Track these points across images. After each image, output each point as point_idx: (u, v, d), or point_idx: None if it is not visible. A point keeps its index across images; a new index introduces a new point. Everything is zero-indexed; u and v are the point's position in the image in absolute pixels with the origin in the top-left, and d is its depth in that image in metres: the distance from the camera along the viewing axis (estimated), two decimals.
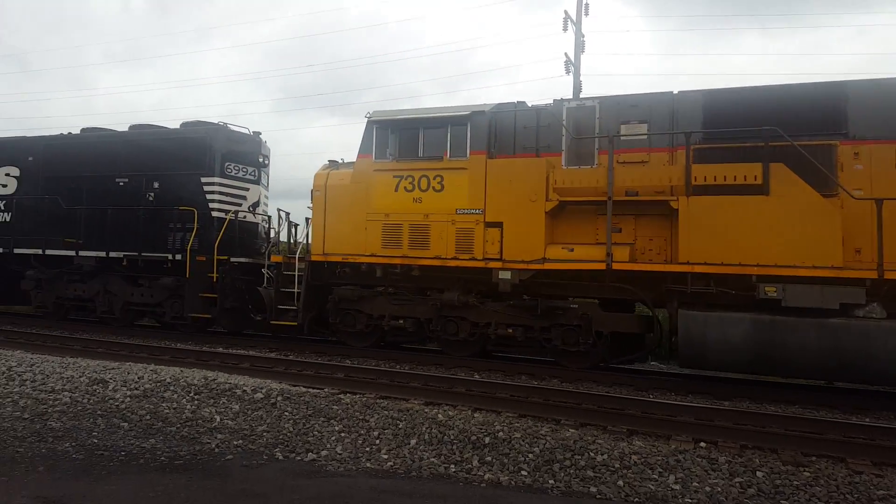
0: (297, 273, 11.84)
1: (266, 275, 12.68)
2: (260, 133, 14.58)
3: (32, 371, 8.33)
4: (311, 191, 11.90)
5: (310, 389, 7.94)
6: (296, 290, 11.80)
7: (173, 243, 13.36)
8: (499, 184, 10.23)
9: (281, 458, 5.49)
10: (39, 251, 14.53)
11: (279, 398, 7.25)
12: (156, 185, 13.84)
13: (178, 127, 14.56)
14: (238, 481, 4.79)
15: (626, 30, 47.13)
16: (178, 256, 13.11)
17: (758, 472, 5.39)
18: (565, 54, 22.13)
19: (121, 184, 14.21)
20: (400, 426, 6.39)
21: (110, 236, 13.89)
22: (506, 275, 10.12)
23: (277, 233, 13.68)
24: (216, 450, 5.57)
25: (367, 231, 11.13)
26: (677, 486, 5.06)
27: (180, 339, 13.16)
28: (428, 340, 11.99)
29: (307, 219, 12.25)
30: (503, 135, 10.61)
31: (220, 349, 11.85)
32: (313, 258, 11.65)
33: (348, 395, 7.75)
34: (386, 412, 6.88)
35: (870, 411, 8.39)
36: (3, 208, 15.50)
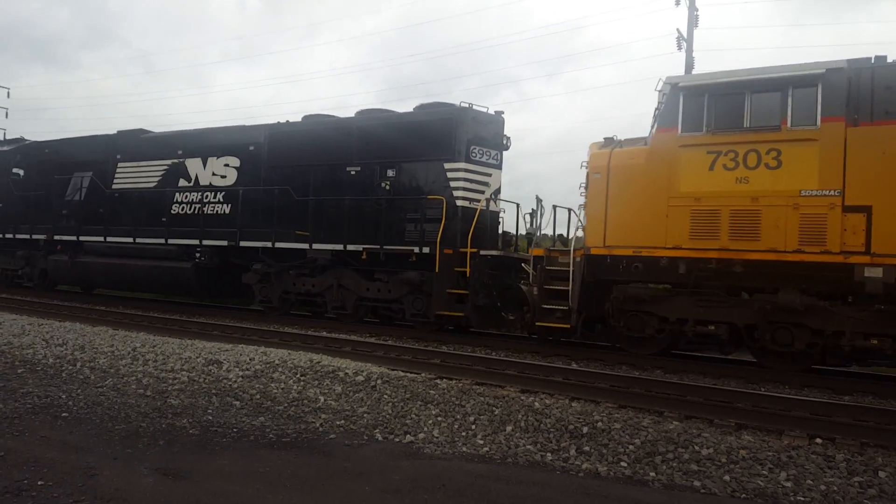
0: (570, 268, 10.39)
1: (529, 271, 11.14)
2: (502, 112, 13.29)
3: (154, 352, 9.01)
4: (587, 173, 10.36)
5: (407, 374, 8.11)
6: (570, 287, 10.33)
7: (414, 235, 12.53)
8: (865, 158, 8.25)
9: (380, 438, 5.65)
10: (269, 244, 13.89)
11: (379, 381, 7.45)
12: (390, 173, 12.93)
13: (411, 110, 13.56)
14: (340, 459, 4.97)
15: (744, 0, 43.71)
16: (426, 249, 12.16)
17: (880, 472, 4.99)
18: (677, 30, 21.20)
19: (352, 173, 13.33)
20: (496, 412, 6.40)
21: (347, 229, 13.14)
22: (875, 272, 8.10)
23: (537, 223, 12.11)
24: (320, 429, 5.81)
25: (668, 219, 9.39)
26: (789, 484, 4.76)
27: (287, 323, 13.80)
28: (738, 349, 10.14)
29: (580, 206, 10.81)
30: (863, 97, 8.48)
31: (325, 333, 12.33)
32: (593, 252, 10.10)
33: (444, 380, 7.85)
34: (482, 398, 6.91)
35: None
36: (222, 200, 15.07)
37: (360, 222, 13.13)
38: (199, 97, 79.90)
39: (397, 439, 5.65)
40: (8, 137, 21.09)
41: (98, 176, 17.30)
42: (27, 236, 18.42)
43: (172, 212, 15.82)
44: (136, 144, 17.13)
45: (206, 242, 14.85)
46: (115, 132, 17.72)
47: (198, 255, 14.96)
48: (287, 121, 15.01)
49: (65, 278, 18.78)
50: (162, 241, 15.65)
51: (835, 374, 9.76)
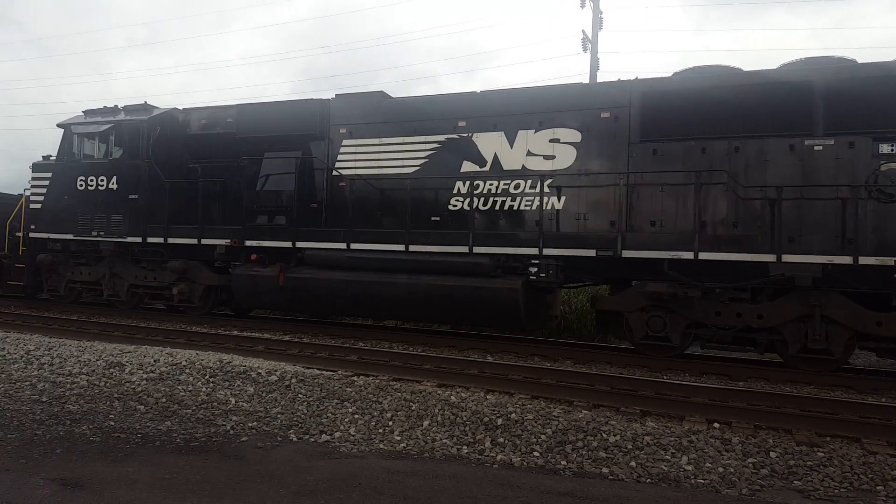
0: None
1: None
2: None
3: (50, 355, 8.45)
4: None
5: (323, 372, 8.00)
6: None
7: None
8: None
9: (295, 439, 5.54)
10: (687, 254, 9.31)
11: (293, 380, 7.31)
12: (888, 149, 8.93)
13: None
14: (253, 462, 4.84)
15: (644, 6, 46.10)
16: None
17: (771, 453, 5.37)
18: (583, 31, 21.84)
19: (818, 148, 9.22)
20: (413, 408, 6.43)
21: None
22: None
23: None
24: (231, 432, 5.63)
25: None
26: (690, 467, 5.05)
27: (196, 322, 13.28)
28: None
29: None
30: None
31: (235, 332, 11.95)
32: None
33: (362, 377, 7.80)
34: (399, 394, 6.92)
35: (887, 392, 8.32)
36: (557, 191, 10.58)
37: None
38: (102, 84, 75.29)
39: (313, 439, 5.57)
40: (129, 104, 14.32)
41: (307, 158, 12.48)
42: (191, 240, 12.92)
43: (451, 207, 11.22)
44: (376, 113, 12.13)
45: (550, 251, 10.19)
46: (331, 96, 12.79)
47: (534, 269, 10.37)
48: (672, 74, 10.55)
49: (262, 300, 12.89)
50: (462, 248, 10.67)
51: (733, 360, 10.39)
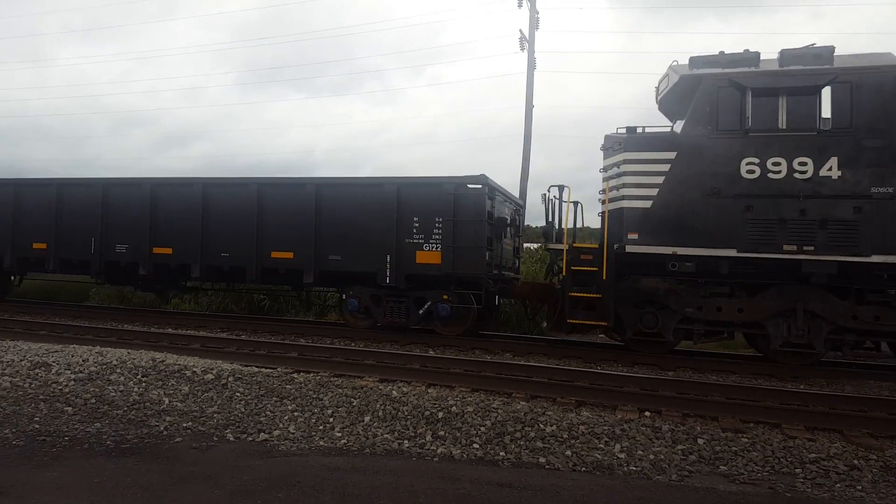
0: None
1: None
2: None
3: None
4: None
5: (262, 369, 7.87)
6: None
7: None
8: None
9: (232, 439, 5.45)
10: None
11: (230, 378, 7.17)
12: None
13: None
14: (187, 463, 4.73)
15: (579, 7, 46.97)
16: None
17: (699, 440, 5.61)
18: (520, 31, 22.09)
19: None
20: (354, 404, 6.41)
21: None
22: None
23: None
24: (165, 432, 5.49)
25: None
26: (622, 455, 5.22)
27: (127, 319, 12.84)
28: None
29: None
30: None
31: (170, 330, 11.62)
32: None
33: (302, 373, 7.72)
34: (340, 390, 6.88)
35: (806, 379, 8.79)
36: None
37: None
38: (35, 72, 71.32)
39: (250, 438, 5.48)
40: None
41: None
42: None
43: None
44: None
45: None
46: None
47: None
48: None
49: None
50: None
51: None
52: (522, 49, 21.93)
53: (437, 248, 11.35)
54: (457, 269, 11.18)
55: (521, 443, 5.45)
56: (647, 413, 6.44)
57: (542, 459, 5.11)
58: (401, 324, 11.56)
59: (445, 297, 11.23)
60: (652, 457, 5.21)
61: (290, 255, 12.27)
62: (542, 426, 5.76)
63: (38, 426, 5.45)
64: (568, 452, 5.25)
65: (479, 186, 11.32)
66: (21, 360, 7.77)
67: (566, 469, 4.96)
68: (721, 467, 5.09)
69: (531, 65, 21.63)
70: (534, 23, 22.03)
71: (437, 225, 11.36)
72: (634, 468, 5.00)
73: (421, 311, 11.39)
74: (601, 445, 5.43)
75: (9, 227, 14.54)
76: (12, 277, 16.10)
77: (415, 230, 11.51)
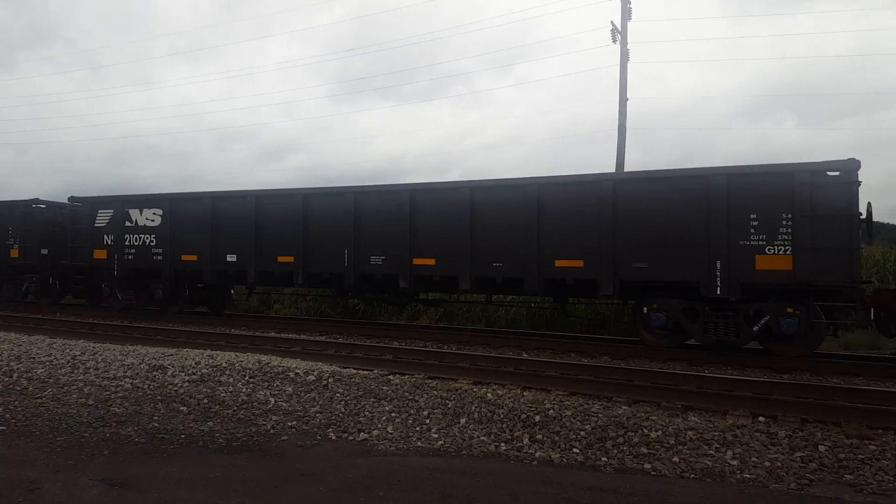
0: None
1: None
2: None
3: (95, 359, 8.66)
4: None
5: (360, 371, 8.04)
6: None
7: None
8: None
9: (334, 437, 5.58)
10: None
11: (330, 380, 7.36)
12: None
13: None
14: (293, 461, 4.88)
15: None
16: None
17: (820, 447, 5.22)
18: (612, 23, 21.56)
19: None
20: (449, 405, 6.41)
21: None
22: None
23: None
24: (271, 431, 5.70)
25: None
26: (735, 462, 4.93)
27: (234, 324, 13.49)
28: None
29: None
30: None
31: (273, 334, 12.11)
32: None
33: (397, 375, 7.82)
34: (435, 392, 6.92)
35: None
36: None
37: None
38: (145, 94, 77.34)
39: (351, 437, 5.59)
40: None
41: None
42: None
43: None
44: None
45: None
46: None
47: None
48: None
49: None
50: None
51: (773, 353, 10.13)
52: (614, 41, 21.35)
53: (785, 250, 9.38)
54: (817, 276, 9.14)
55: (625, 448, 5.26)
56: (760, 418, 6.05)
57: (647, 465, 4.90)
58: (729, 342, 9.73)
59: (790, 309, 9.39)
60: (767, 464, 4.89)
61: (579, 263, 10.72)
62: (646, 431, 5.54)
63: (157, 424, 5.79)
64: (675, 458, 5.01)
65: (845, 173, 9.23)
66: (140, 364, 8.32)
67: (673, 476, 4.73)
68: (846, 476, 4.70)
69: (624, 56, 21.01)
70: (626, 13, 21.41)
71: (784, 223, 9.39)
72: (748, 476, 4.70)
73: (756, 328, 9.58)
74: (711, 452, 5.14)
75: (251, 241, 13.95)
76: (232, 290, 16.51)
77: (752, 230, 9.53)
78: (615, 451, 5.19)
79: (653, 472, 4.78)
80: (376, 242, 12.55)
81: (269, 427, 5.81)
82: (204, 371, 7.80)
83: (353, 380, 7.43)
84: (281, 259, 13.57)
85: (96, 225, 16.20)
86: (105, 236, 16.05)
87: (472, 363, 8.91)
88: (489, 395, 6.80)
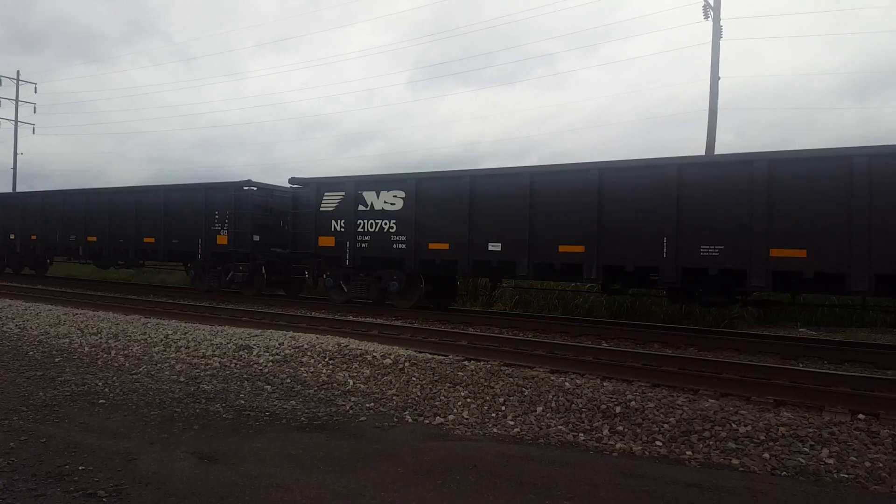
0: None
1: None
2: None
3: (186, 339, 9.10)
4: None
5: (435, 356, 8.08)
6: None
7: None
8: None
9: (410, 420, 5.63)
10: None
11: (406, 364, 7.44)
12: None
13: None
14: (371, 441, 4.96)
15: None
16: None
17: None
18: None
19: None
20: (525, 393, 6.34)
21: None
22: None
23: None
24: (350, 412, 5.81)
25: None
26: (832, 461, 4.63)
27: (315, 307, 13.86)
28: None
29: None
30: None
31: (351, 318, 12.36)
32: None
33: (472, 361, 7.81)
34: (511, 379, 6.86)
35: None
36: None
37: None
38: (233, 85, 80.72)
39: (427, 421, 5.63)
40: None
41: None
42: None
43: None
44: None
45: None
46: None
47: None
48: None
49: None
50: None
51: (870, 345, 9.49)
52: (706, 17, 20.35)
53: None
54: None
55: (711, 442, 5.04)
56: (860, 416, 5.67)
57: (734, 461, 4.69)
58: None
59: None
60: (868, 464, 4.57)
61: (801, 253, 9.31)
62: (734, 426, 5.29)
63: (243, 402, 6.02)
64: (766, 455, 4.76)
65: None
66: (228, 343, 8.67)
67: (763, 472, 4.50)
68: None
69: (716, 33, 20.03)
70: None
71: None
72: (846, 475, 4.41)
73: None
74: (805, 449, 4.86)
75: (524, 227, 11.85)
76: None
77: None
78: (701, 446, 4.99)
79: (741, 468, 4.57)
80: (709, 229, 10.12)
81: (347, 408, 5.93)
82: (287, 352, 8.05)
83: (428, 364, 7.48)
84: (564, 249, 11.52)
85: (322, 209, 14.57)
86: (333, 222, 14.37)
87: (549, 351, 8.79)
88: (567, 384, 6.69)
